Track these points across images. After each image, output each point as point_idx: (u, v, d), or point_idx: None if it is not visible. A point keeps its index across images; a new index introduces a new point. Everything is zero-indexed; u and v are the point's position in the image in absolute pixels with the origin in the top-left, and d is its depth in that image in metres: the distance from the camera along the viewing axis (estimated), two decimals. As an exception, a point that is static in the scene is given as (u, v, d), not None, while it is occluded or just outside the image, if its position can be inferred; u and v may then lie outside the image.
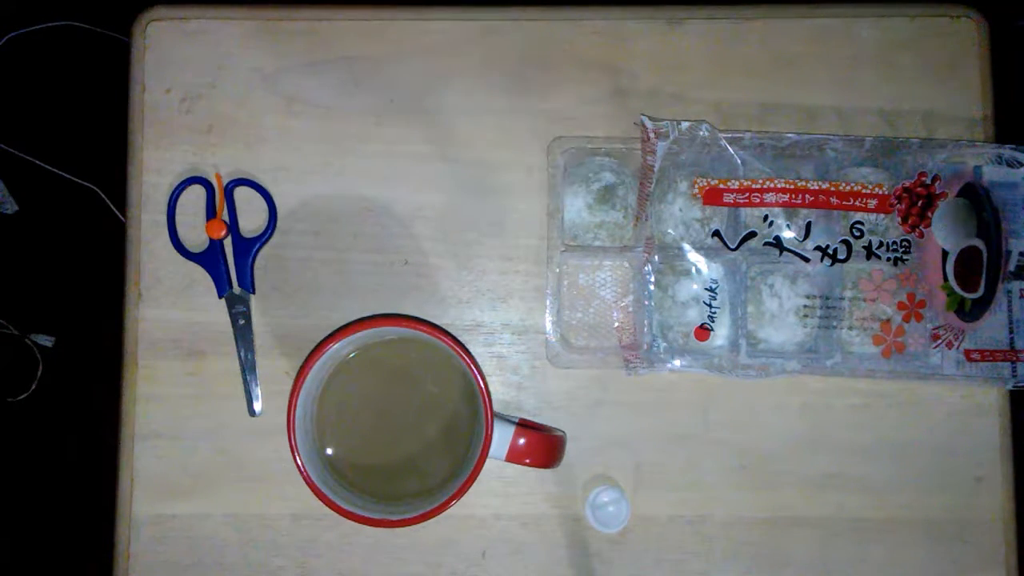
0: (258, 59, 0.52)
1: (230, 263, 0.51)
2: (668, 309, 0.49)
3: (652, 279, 0.49)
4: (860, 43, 0.52)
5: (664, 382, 0.51)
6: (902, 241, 0.48)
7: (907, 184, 0.49)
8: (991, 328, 0.48)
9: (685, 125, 0.48)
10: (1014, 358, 0.48)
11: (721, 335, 0.49)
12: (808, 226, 0.49)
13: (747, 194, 0.48)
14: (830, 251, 0.48)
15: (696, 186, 0.48)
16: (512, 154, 0.52)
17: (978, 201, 0.48)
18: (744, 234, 0.49)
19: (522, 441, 0.45)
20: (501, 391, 0.51)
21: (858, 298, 0.49)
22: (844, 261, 0.48)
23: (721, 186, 0.48)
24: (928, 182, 0.48)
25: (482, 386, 0.44)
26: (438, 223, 0.52)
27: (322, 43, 0.52)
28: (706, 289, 0.49)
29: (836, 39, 0.52)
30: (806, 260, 0.48)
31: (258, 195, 0.51)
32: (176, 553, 0.50)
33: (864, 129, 0.52)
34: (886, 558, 0.50)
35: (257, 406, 0.51)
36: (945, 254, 0.48)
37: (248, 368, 0.50)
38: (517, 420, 0.49)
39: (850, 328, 0.49)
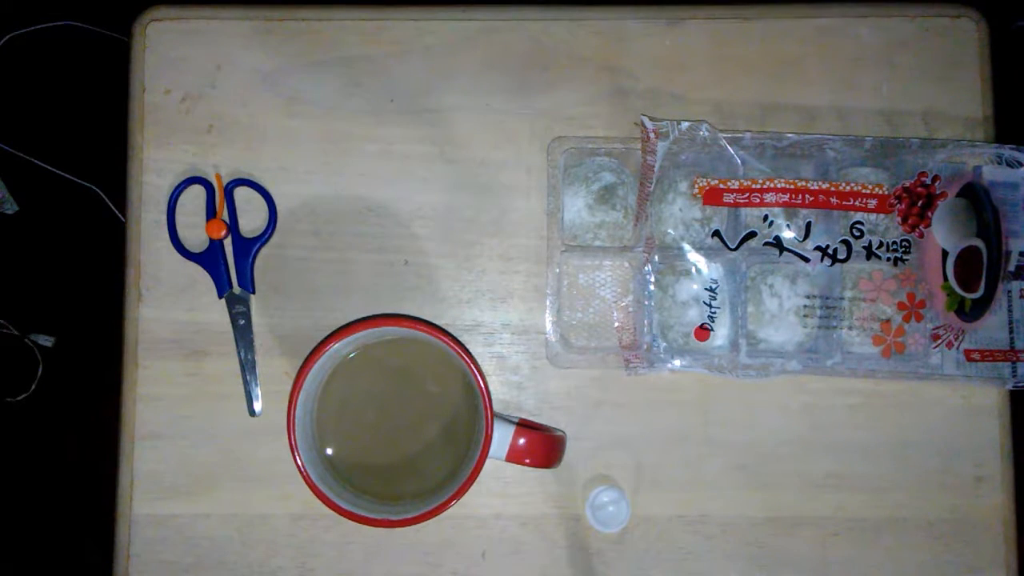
0: (258, 59, 0.52)
1: (230, 263, 0.51)
2: (668, 309, 0.49)
3: (652, 279, 0.49)
4: (860, 43, 0.52)
5: (664, 382, 0.51)
6: (902, 241, 0.48)
7: (907, 184, 0.49)
8: (991, 328, 0.48)
9: (685, 125, 0.48)
10: (1014, 358, 0.48)
11: (721, 335, 0.49)
12: (808, 226, 0.49)
13: (747, 194, 0.48)
14: (830, 251, 0.48)
15: (696, 186, 0.48)
16: (512, 154, 0.52)
17: (978, 201, 0.48)
18: (744, 234, 0.49)
19: (522, 441, 0.45)
20: (501, 391, 0.51)
21: (858, 298, 0.49)
22: (844, 261, 0.48)
23: (721, 186, 0.48)
24: (928, 182, 0.48)
25: (482, 386, 0.44)
26: (438, 223, 0.52)
27: (322, 43, 0.52)
28: (706, 289, 0.49)
29: (836, 39, 0.52)
30: (806, 260, 0.48)
31: (258, 195, 0.51)
32: (176, 553, 0.50)
33: (864, 129, 0.52)
34: (886, 558, 0.50)
35: (257, 406, 0.51)
36: (945, 254, 0.48)
37: (248, 368, 0.50)
38: (517, 420, 0.49)
39: (850, 328, 0.49)
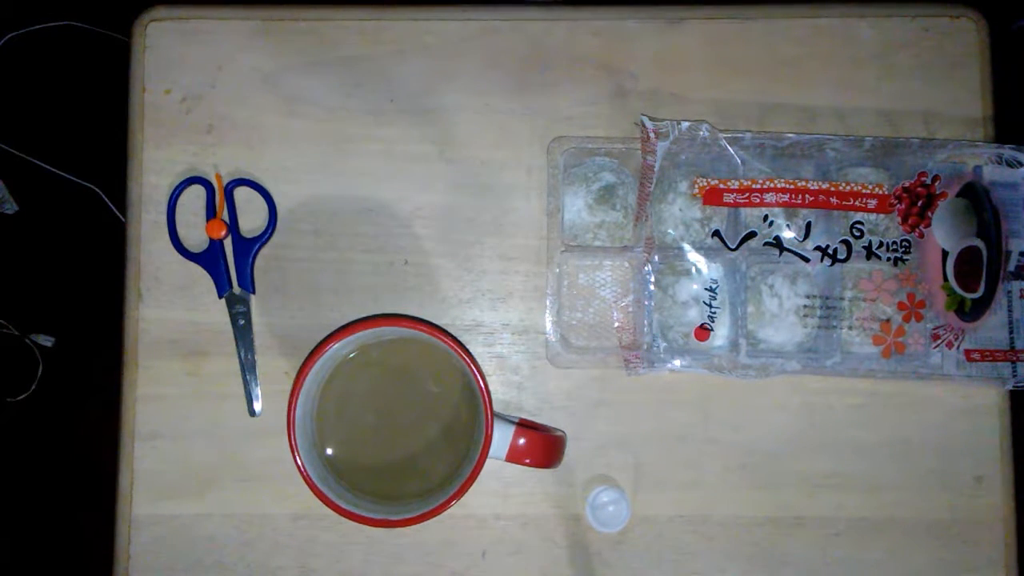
0: (258, 59, 0.52)
1: (230, 263, 0.51)
2: (668, 309, 0.49)
3: (652, 279, 0.49)
4: (860, 43, 0.52)
5: (664, 382, 0.51)
6: (902, 241, 0.48)
7: (907, 184, 0.49)
8: (991, 328, 0.48)
9: (685, 125, 0.48)
10: (1014, 358, 0.48)
11: (721, 335, 0.49)
12: (808, 226, 0.49)
13: (747, 194, 0.48)
14: (830, 251, 0.48)
15: (696, 186, 0.48)
16: (512, 154, 0.52)
17: (978, 201, 0.48)
18: (744, 234, 0.49)
19: (522, 441, 0.45)
20: (501, 391, 0.51)
21: (858, 298, 0.49)
22: (844, 261, 0.48)
23: (721, 186, 0.48)
24: (928, 182, 0.48)
25: (482, 386, 0.44)
26: (438, 223, 0.52)
27: (322, 43, 0.52)
28: (706, 289, 0.49)
29: (836, 39, 0.52)
30: (806, 260, 0.48)
31: (258, 195, 0.51)
32: (176, 553, 0.50)
33: (864, 129, 0.52)
34: (886, 558, 0.50)
35: (257, 406, 0.51)
36: (945, 254, 0.48)
37: (248, 368, 0.50)
38: (517, 420, 0.49)
39: (850, 328, 0.49)
